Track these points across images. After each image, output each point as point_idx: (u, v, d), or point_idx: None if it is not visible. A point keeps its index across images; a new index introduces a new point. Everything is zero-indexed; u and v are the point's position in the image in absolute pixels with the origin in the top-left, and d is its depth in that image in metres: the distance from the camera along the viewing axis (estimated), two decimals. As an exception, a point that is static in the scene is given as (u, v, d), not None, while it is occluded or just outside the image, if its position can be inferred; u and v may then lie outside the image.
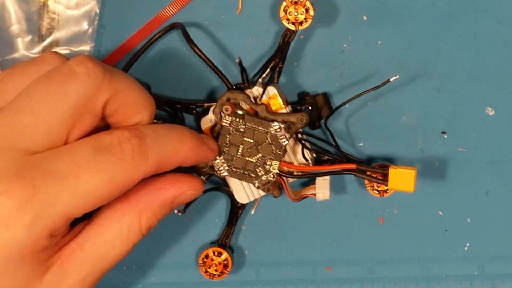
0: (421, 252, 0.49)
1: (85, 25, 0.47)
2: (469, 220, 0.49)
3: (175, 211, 0.45)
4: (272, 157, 0.44)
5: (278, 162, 0.44)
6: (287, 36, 0.45)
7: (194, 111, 0.47)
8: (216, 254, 0.48)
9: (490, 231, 0.48)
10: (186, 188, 0.42)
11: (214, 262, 0.48)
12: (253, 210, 0.49)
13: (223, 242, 0.48)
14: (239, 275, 0.50)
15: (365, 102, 0.48)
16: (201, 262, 0.48)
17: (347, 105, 0.48)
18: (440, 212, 0.49)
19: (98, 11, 0.47)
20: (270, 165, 0.45)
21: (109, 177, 0.37)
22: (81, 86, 0.37)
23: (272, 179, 0.45)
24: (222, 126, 0.44)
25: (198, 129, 0.46)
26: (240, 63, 0.44)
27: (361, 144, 0.48)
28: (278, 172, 0.45)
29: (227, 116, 0.44)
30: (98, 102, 0.38)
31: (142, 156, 0.38)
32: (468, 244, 0.49)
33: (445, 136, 0.48)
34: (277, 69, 0.46)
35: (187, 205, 0.45)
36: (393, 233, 0.49)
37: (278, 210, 0.49)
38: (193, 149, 0.41)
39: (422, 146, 0.48)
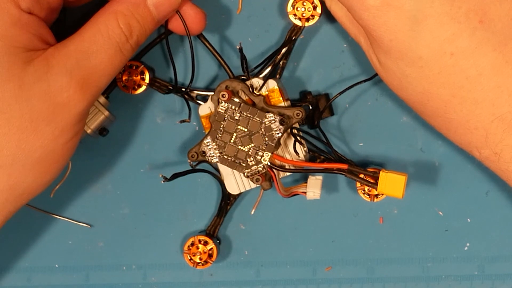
0: (421, 252, 0.49)
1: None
2: (469, 220, 0.49)
3: (161, 180, 0.44)
4: (264, 148, 0.44)
5: (270, 154, 0.44)
6: (293, 32, 0.45)
7: (195, 98, 0.47)
8: (202, 242, 0.48)
9: (490, 231, 0.48)
10: None
11: (199, 250, 0.48)
12: (253, 210, 0.49)
13: (210, 232, 0.48)
14: (239, 275, 0.50)
15: (365, 102, 0.48)
16: (186, 249, 0.48)
17: (347, 105, 0.48)
18: (440, 212, 0.49)
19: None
20: (262, 156, 0.44)
21: None
22: None
23: (261, 169, 0.45)
24: (217, 112, 0.44)
25: (197, 116, 0.46)
26: (241, 50, 0.44)
27: (361, 144, 0.48)
28: (269, 164, 0.44)
29: (223, 103, 0.44)
30: None
31: None
32: (468, 244, 0.49)
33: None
34: (280, 64, 0.46)
35: (175, 174, 0.45)
36: (393, 233, 0.49)
37: (278, 210, 0.49)
38: None
39: (422, 146, 0.48)
